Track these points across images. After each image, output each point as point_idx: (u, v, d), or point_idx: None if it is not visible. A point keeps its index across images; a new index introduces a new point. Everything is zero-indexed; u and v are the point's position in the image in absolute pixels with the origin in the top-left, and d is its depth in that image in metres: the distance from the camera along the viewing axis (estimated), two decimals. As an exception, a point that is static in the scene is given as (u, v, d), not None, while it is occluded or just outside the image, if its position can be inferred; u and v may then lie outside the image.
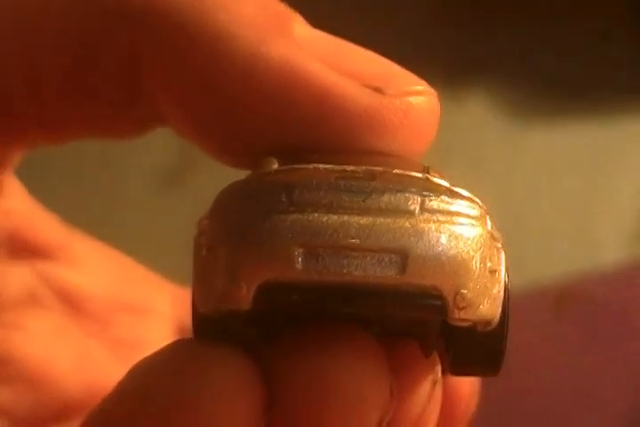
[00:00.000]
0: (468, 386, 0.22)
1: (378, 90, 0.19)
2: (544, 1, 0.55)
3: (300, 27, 0.20)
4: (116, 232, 0.43)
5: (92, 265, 0.26)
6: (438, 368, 0.19)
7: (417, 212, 0.17)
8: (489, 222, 0.18)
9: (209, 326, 0.18)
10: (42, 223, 0.25)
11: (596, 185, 0.50)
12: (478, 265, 0.17)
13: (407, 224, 0.17)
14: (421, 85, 0.19)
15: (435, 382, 0.19)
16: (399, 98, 0.19)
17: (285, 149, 0.19)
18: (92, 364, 0.25)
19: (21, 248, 0.25)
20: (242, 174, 0.19)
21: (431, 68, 0.51)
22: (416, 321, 0.19)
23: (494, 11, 0.53)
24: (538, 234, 0.49)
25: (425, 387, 0.19)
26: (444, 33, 0.52)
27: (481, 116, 0.51)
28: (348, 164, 0.18)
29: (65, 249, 0.26)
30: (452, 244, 0.17)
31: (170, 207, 0.43)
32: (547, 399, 0.45)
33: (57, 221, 0.26)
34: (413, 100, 0.19)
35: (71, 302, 0.25)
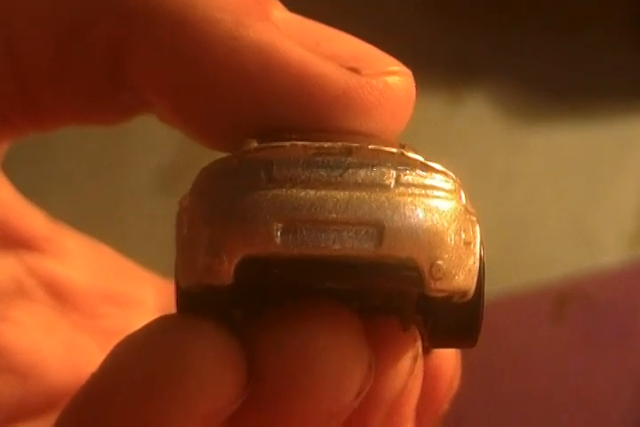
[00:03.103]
0: (450, 364, 0.22)
1: (355, 70, 0.19)
2: (545, 2, 0.55)
3: (278, 11, 0.20)
4: (114, 231, 0.43)
5: (79, 257, 0.26)
6: (419, 344, 0.20)
7: (392, 186, 0.18)
8: (463, 196, 0.18)
9: (191, 302, 0.19)
10: (28, 216, 0.25)
11: (596, 185, 0.50)
12: (453, 237, 0.18)
13: (383, 198, 0.18)
14: (397, 66, 0.20)
15: (415, 358, 0.19)
16: (376, 78, 0.19)
17: (267, 130, 0.19)
18: (79, 355, 0.25)
19: (8, 240, 0.25)
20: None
21: (432, 69, 0.51)
22: (394, 294, 0.19)
23: (495, 12, 0.54)
24: (538, 234, 0.49)
25: (405, 362, 0.19)
26: (444, 34, 0.52)
27: (481, 117, 0.51)
28: (327, 141, 0.18)
29: (51, 241, 0.26)
30: (427, 216, 0.18)
31: (168, 207, 0.43)
32: (546, 400, 0.45)
33: (43, 214, 0.26)
34: (390, 79, 0.19)
35: (58, 294, 0.26)
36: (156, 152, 0.47)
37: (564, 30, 0.53)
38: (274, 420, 0.18)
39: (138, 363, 0.18)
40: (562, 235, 0.49)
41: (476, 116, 0.51)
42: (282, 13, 0.20)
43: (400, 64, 0.20)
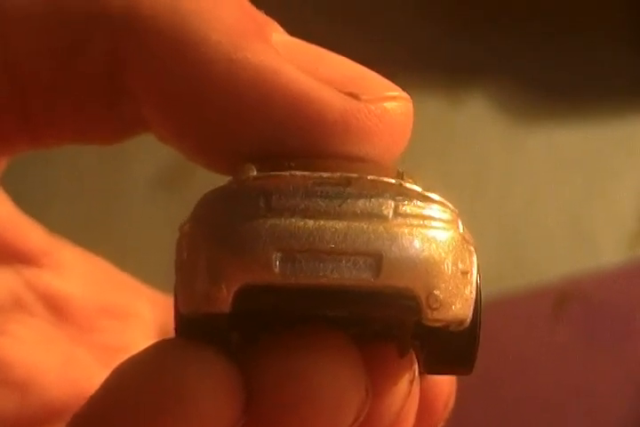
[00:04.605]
0: (446, 386, 0.23)
1: (353, 95, 0.19)
2: (545, 4, 0.55)
3: (277, 34, 0.20)
4: (111, 238, 0.43)
5: (76, 271, 0.27)
6: (415, 368, 0.20)
7: (390, 216, 0.18)
8: (460, 225, 0.18)
9: (191, 329, 0.19)
10: (26, 230, 0.25)
11: (595, 185, 0.50)
12: (450, 267, 0.18)
13: (381, 228, 0.18)
14: (395, 91, 0.20)
15: (412, 382, 0.20)
16: (374, 103, 0.19)
17: (264, 153, 0.19)
18: (77, 369, 0.25)
19: (5, 254, 0.25)
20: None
21: (432, 70, 0.51)
22: (392, 322, 0.19)
23: (494, 14, 0.53)
24: (538, 234, 0.49)
25: (402, 386, 0.19)
26: (444, 36, 0.52)
27: (481, 117, 0.51)
28: (325, 170, 0.18)
29: (49, 256, 0.26)
30: (425, 247, 0.18)
31: (166, 213, 0.43)
32: (546, 399, 0.45)
33: (40, 228, 0.26)
34: (388, 105, 0.19)
35: (56, 308, 0.26)
36: (154, 159, 0.47)
37: (563, 31, 0.53)
38: None
39: (138, 387, 0.18)
40: (562, 235, 0.49)
41: (476, 116, 0.51)
42: (281, 36, 0.20)
43: (398, 89, 0.20)
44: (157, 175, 0.47)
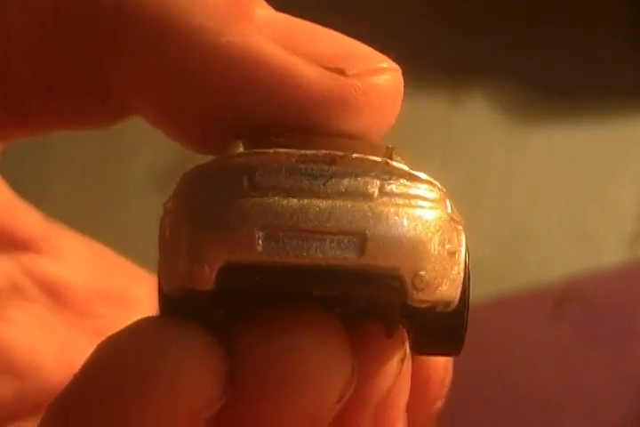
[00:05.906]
0: (441, 365, 0.22)
1: (339, 71, 0.19)
2: (545, 3, 0.55)
3: (261, 9, 0.20)
4: (109, 229, 0.43)
5: (74, 257, 0.27)
6: (406, 347, 0.19)
7: (376, 195, 0.18)
8: (449, 205, 0.18)
9: (174, 307, 0.19)
10: (24, 216, 0.26)
11: (595, 185, 0.50)
12: (437, 247, 0.18)
13: (366, 207, 0.17)
14: (384, 62, 0.19)
15: (402, 360, 0.19)
16: (361, 78, 0.19)
17: (254, 132, 0.19)
18: (75, 355, 0.25)
19: (4, 240, 0.25)
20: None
21: (432, 69, 0.51)
22: (378, 302, 0.19)
23: (495, 13, 0.54)
24: (538, 234, 0.49)
25: (391, 365, 0.19)
26: (445, 35, 0.52)
27: (481, 117, 0.51)
28: (312, 147, 0.18)
29: (47, 241, 0.26)
30: (411, 226, 0.17)
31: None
32: (546, 400, 0.45)
33: (37, 213, 0.26)
34: (376, 79, 0.19)
35: (54, 294, 0.26)
36: (153, 151, 0.47)
37: (563, 29, 0.53)
38: (256, 420, 0.18)
39: (121, 364, 0.18)
40: (562, 235, 0.49)
41: (476, 116, 0.51)
42: (265, 12, 0.20)
43: (388, 60, 0.19)
44: (156, 165, 0.47)
